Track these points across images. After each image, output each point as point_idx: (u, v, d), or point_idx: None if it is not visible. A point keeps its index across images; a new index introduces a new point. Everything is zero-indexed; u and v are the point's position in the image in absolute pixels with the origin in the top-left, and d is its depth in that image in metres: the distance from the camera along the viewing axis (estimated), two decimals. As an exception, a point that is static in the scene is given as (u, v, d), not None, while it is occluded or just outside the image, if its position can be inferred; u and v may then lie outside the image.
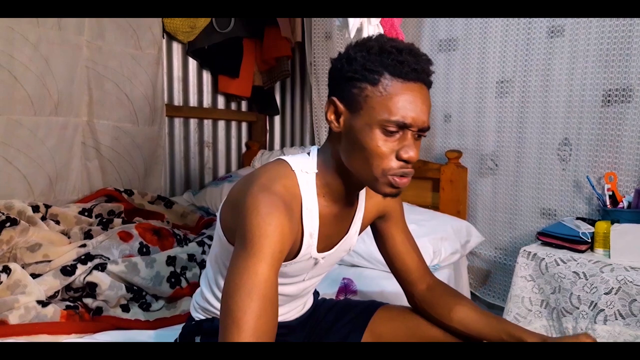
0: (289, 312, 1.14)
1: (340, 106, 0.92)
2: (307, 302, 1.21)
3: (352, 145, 0.91)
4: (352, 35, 1.61)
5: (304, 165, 0.98)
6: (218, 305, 1.07)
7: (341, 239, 1.07)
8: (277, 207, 0.86)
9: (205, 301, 1.11)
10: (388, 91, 0.87)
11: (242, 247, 0.84)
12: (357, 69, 0.89)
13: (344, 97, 0.92)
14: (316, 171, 0.98)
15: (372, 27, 1.65)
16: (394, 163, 0.89)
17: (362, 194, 1.09)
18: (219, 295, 1.07)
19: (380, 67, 0.87)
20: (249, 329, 0.77)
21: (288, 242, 0.88)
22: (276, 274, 0.84)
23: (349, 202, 1.05)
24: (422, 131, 0.91)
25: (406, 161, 0.89)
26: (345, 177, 0.97)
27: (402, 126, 0.88)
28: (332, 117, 0.94)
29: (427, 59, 0.91)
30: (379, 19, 1.67)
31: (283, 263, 0.97)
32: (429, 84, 0.92)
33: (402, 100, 0.87)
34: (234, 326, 0.78)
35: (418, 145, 0.92)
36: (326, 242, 1.03)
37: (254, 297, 0.79)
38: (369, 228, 1.19)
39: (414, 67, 0.87)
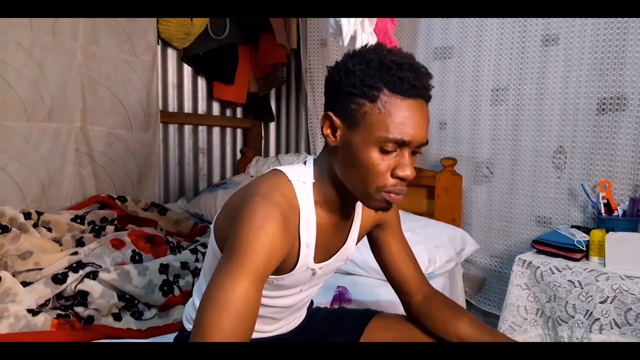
0: (285, 325, 1.13)
1: (337, 121, 0.90)
2: (302, 314, 1.20)
3: (348, 161, 0.90)
4: (345, 43, 1.61)
5: (301, 175, 0.96)
6: None
7: (339, 249, 1.06)
8: (272, 220, 0.85)
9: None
10: (387, 108, 0.85)
11: (227, 259, 0.83)
12: (355, 84, 0.87)
13: (342, 111, 0.90)
14: (313, 181, 0.97)
15: (365, 35, 1.64)
16: (390, 180, 0.88)
17: (359, 203, 1.08)
18: None
19: (380, 83, 0.85)
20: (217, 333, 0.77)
21: (277, 258, 0.86)
22: (257, 291, 0.83)
23: (346, 212, 1.04)
24: (419, 147, 0.89)
25: (402, 179, 0.89)
26: (341, 188, 0.96)
27: (401, 144, 0.86)
28: (328, 131, 0.92)
29: (427, 73, 0.90)
30: (373, 27, 1.67)
31: (280, 276, 0.96)
32: (428, 99, 0.91)
33: (400, 118, 0.85)
34: (200, 341, 0.78)
35: (414, 160, 0.91)
36: (323, 253, 1.02)
37: (226, 314, 0.78)
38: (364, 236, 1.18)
39: (414, 84, 0.86)
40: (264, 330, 1.09)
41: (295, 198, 0.94)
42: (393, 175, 0.88)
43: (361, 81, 0.86)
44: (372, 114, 0.86)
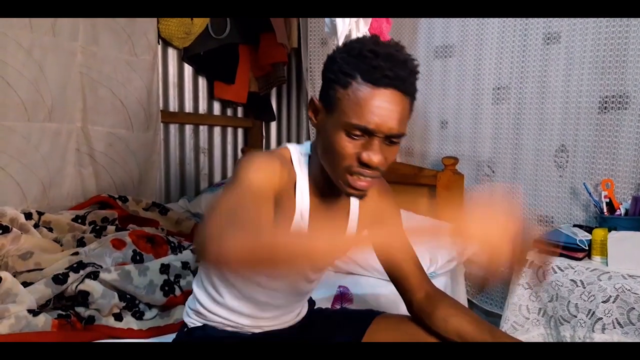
0: (284, 315, 1.13)
1: (318, 105, 0.95)
2: (302, 311, 1.20)
3: (323, 143, 0.94)
4: (340, 43, 1.61)
5: (300, 150, 1.03)
6: (211, 305, 1.09)
7: None
8: (272, 163, 0.92)
9: (197, 303, 1.10)
10: (357, 95, 0.87)
11: (229, 184, 0.88)
12: (334, 70, 0.90)
13: (322, 96, 0.95)
14: (310, 153, 1.03)
15: (360, 35, 1.64)
16: (356, 163, 0.91)
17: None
18: (213, 294, 1.08)
19: (354, 71, 0.88)
20: (225, 209, 0.80)
21: (276, 186, 0.91)
22: (264, 202, 0.87)
23: (337, 196, 1.05)
24: (392, 137, 0.90)
25: (366, 165, 0.90)
26: (325, 172, 1.00)
27: (366, 132, 0.88)
28: (311, 114, 0.98)
29: (405, 66, 0.89)
30: (367, 27, 1.67)
31: None
32: (404, 91, 0.89)
33: (368, 106, 0.87)
34: (210, 213, 0.81)
35: (392, 150, 0.92)
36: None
37: (234, 199, 0.83)
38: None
39: (386, 74, 0.86)
40: (261, 316, 1.09)
41: (292, 167, 1.00)
42: (358, 159, 0.90)
43: (339, 68, 0.90)
44: (342, 99, 0.89)
